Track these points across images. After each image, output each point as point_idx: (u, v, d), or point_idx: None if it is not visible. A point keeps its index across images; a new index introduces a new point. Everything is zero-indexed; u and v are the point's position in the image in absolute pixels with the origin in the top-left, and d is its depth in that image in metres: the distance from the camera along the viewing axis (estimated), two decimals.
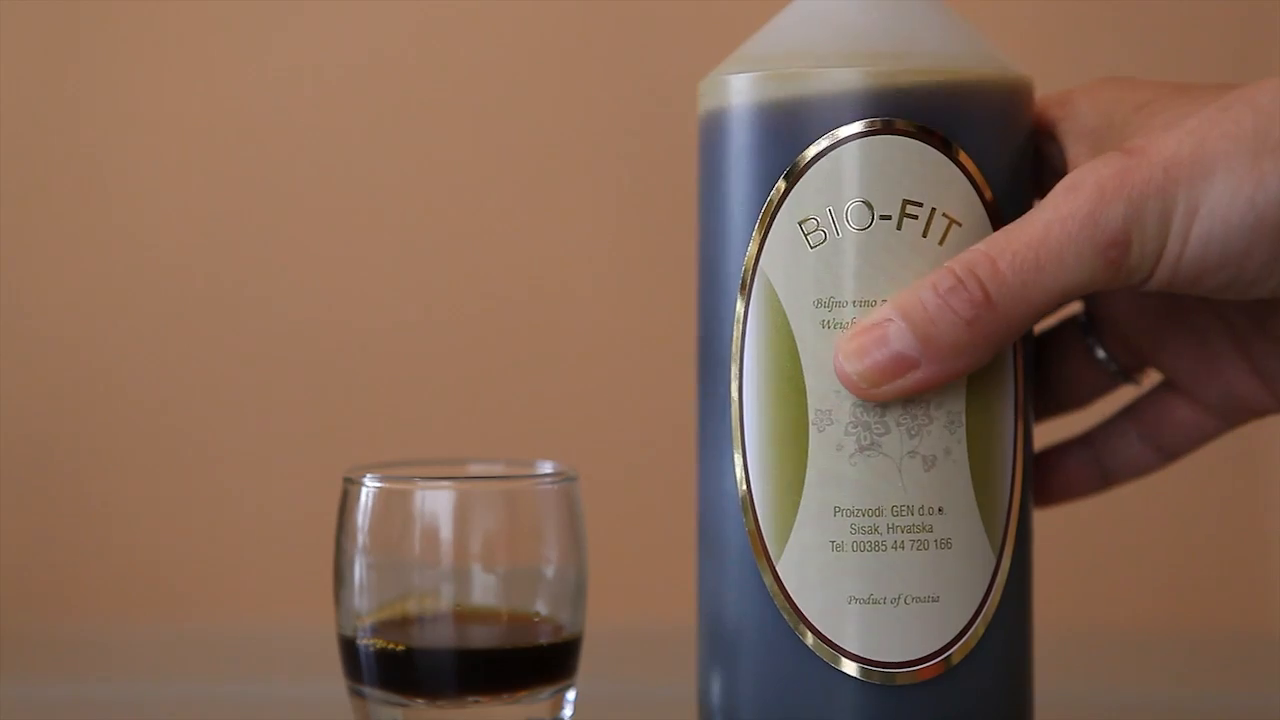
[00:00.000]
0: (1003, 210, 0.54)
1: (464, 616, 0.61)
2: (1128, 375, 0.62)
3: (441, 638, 0.61)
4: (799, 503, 0.53)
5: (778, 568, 0.54)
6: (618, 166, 0.96)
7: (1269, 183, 0.50)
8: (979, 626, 0.54)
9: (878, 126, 0.53)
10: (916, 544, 0.53)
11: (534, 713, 0.61)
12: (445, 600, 0.61)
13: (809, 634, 0.54)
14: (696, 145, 0.56)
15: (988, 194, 0.54)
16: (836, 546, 0.53)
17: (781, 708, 0.54)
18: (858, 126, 0.53)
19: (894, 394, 0.52)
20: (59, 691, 0.75)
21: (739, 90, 0.54)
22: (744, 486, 0.54)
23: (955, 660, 0.54)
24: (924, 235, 0.53)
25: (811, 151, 0.53)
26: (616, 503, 0.92)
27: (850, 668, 0.54)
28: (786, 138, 0.54)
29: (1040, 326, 0.59)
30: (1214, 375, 0.59)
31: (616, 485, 0.93)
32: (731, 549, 0.55)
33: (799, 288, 0.53)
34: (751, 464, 0.54)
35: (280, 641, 0.85)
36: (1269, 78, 0.51)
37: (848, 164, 0.53)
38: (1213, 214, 0.51)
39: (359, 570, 0.61)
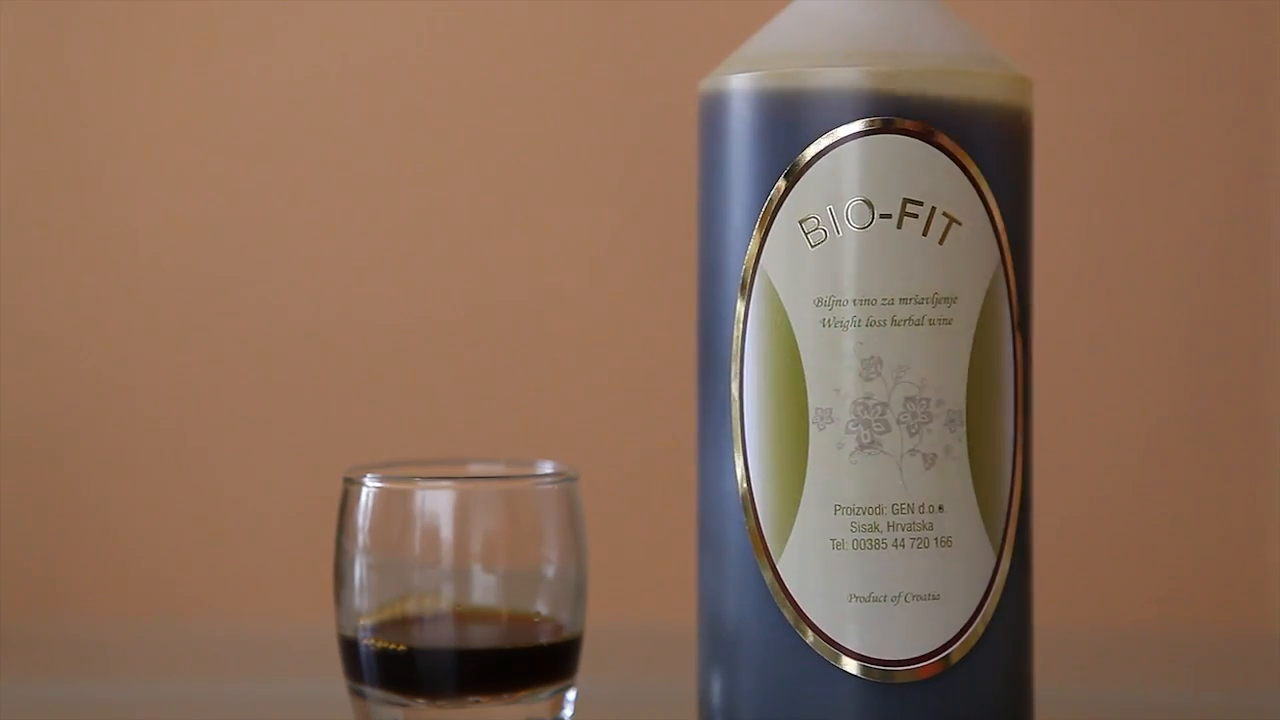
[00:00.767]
0: (1003, 209, 0.54)
1: (464, 616, 0.61)
2: None
3: (442, 638, 0.61)
4: (799, 501, 0.54)
5: (778, 566, 0.54)
6: (618, 166, 0.96)
7: None
8: (979, 625, 0.54)
9: (878, 126, 0.53)
10: (917, 542, 0.53)
11: (534, 713, 0.61)
12: (445, 600, 0.61)
13: (809, 632, 0.54)
14: (697, 145, 0.57)
15: (988, 193, 0.54)
16: (837, 545, 0.53)
17: (782, 706, 0.54)
18: (858, 126, 0.53)
19: None
20: (59, 691, 0.75)
21: (739, 90, 0.54)
22: (744, 485, 0.54)
23: (955, 659, 0.54)
24: (924, 234, 0.53)
25: (812, 151, 0.53)
26: (616, 503, 0.92)
27: (850, 666, 0.54)
28: (787, 137, 0.54)
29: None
30: None
31: (616, 485, 0.93)
32: (732, 548, 0.55)
33: (799, 287, 0.54)
34: (752, 463, 0.54)
35: (280, 641, 0.85)
36: None
37: (848, 163, 0.53)
38: None
39: (359, 570, 0.61)
